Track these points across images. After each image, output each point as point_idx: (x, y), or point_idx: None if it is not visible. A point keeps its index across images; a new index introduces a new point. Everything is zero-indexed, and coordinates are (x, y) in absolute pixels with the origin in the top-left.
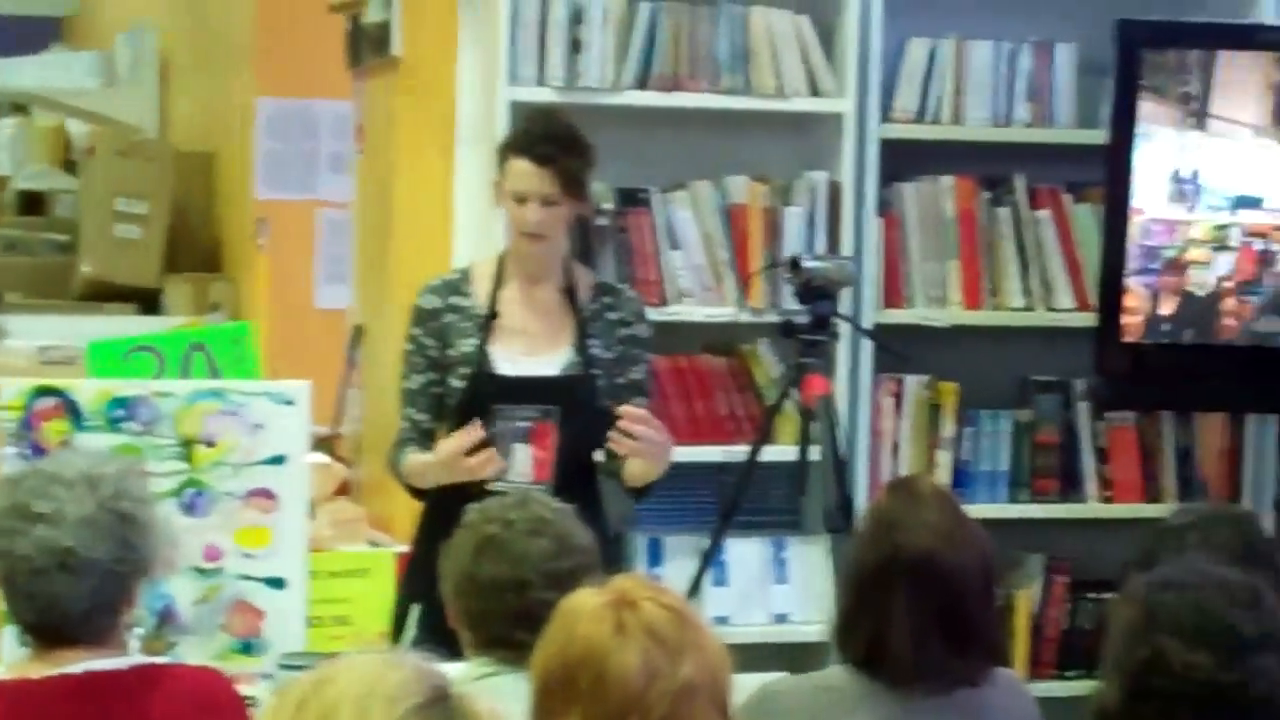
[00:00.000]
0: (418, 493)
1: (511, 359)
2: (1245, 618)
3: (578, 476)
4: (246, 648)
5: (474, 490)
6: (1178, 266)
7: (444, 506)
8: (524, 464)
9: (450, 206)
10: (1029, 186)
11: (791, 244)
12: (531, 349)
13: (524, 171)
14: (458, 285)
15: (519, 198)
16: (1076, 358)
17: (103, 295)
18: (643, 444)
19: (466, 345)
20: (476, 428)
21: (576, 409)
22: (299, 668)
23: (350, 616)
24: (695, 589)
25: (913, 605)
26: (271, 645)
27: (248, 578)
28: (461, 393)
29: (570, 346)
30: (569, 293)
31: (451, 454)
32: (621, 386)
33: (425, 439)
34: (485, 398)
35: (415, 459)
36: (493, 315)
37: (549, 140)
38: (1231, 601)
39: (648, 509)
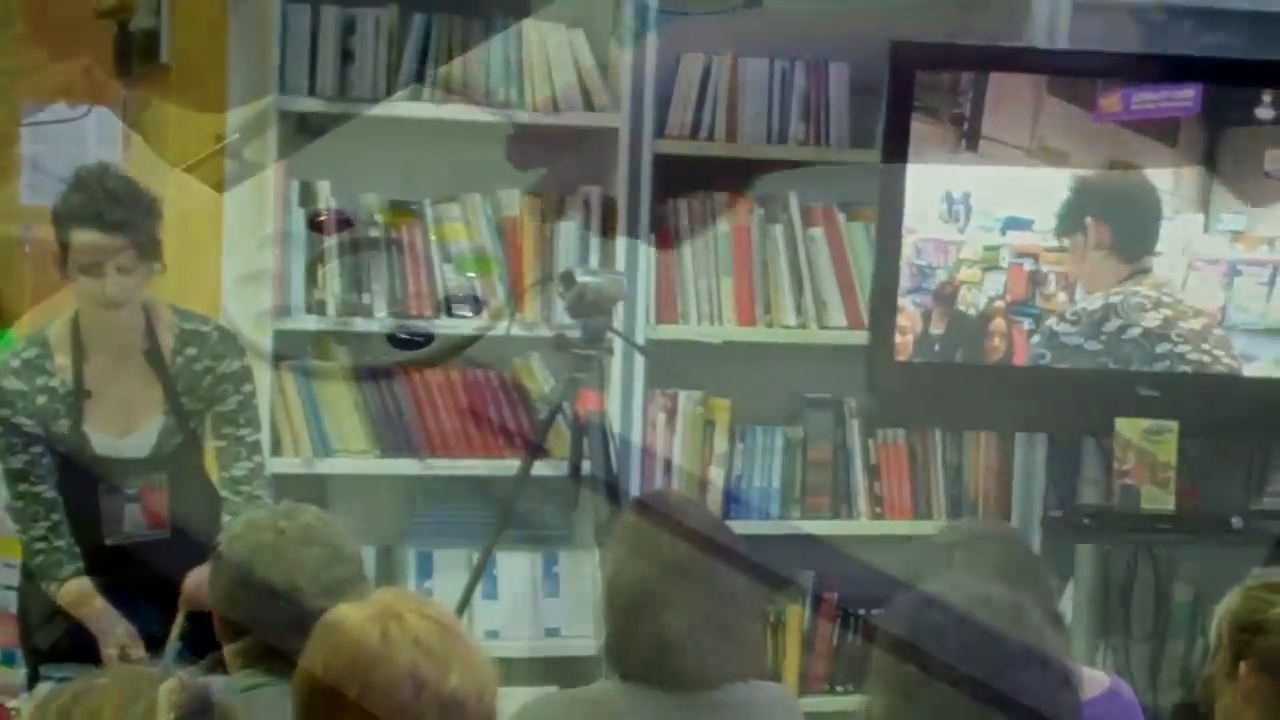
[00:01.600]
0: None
1: (107, 438)
2: (1009, 634)
3: (207, 518)
4: (9, 658)
5: (93, 545)
6: (949, 286)
7: None
8: (137, 519)
9: (220, 215)
10: (802, 205)
11: (565, 258)
12: (126, 424)
13: (94, 244)
14: (41, 364)
15: (93, 270)
16: (848, 375)
17: None
18: None
19: (59, 426)
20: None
21: (184, 468)
22: (62, 678)
23: None
24: (465, 603)
25: (683, 614)
26: None
27: (9, 588)
28: (61, 471)
29: (163, 414)
30: (155, 354)
31: (104, 632)
32: (213, 418)
33: (53, 511)
34: (88, 476)
35: (78, 590)
36: (82, 394)
37: (114, 204)
38: (995, 618)
39: (418, 522)
